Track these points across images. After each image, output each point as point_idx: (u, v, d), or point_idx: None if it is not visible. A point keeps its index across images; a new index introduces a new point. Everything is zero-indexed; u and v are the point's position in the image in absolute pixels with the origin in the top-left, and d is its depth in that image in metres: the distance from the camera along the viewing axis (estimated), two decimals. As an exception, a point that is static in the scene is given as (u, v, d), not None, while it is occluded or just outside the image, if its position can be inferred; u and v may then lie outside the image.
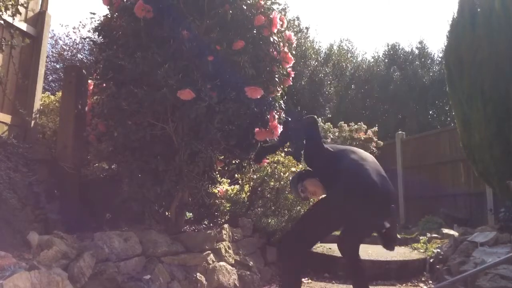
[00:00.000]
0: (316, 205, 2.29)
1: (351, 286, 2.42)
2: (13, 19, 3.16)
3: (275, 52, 3.15)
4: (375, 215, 2.11)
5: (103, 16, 3.23)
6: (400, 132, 8.81)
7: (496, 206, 5.55)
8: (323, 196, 2.34)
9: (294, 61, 3.25)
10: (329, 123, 8.64)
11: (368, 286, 2.30)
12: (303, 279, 4.01)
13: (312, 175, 2.39)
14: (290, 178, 2.80)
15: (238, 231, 3.78)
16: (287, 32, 3.26)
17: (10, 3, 2.99)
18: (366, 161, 2.19)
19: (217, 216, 4.04)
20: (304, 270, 2.17)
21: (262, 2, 3.07)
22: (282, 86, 3.34)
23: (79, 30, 9.28)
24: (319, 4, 33.01)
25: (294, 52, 3.42)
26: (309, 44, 13.54)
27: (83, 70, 3.67)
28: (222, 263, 3.26)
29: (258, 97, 2.90)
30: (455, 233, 4.79)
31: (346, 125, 8.31)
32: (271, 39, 3.09)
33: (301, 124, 2.49)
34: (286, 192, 4.21)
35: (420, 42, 15.74)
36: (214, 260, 3.22)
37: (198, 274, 2.97)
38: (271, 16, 3.01)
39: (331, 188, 2.24)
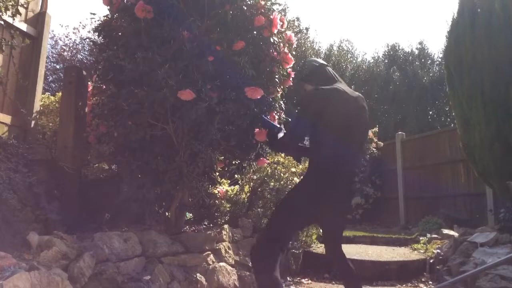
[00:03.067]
0: (281, 204, 2.29)
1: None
2: (13, 19, 3.15)
3: (275, 53, 3.15)
4: (340, 201, 2.18)
5: (103, 16, 3.23)
6: (400, 132, 8.81)
7: (496, 206, 5.55)
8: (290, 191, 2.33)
9: (294, 62, 3.25)
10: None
11: (361, 286, 2.29)
12: (303, 280, 4.01)
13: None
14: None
15: (238, 231, 3.78)
16: (287, 32, 3.26)
17: (10, 3, 2.99)
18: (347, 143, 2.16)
19: (217, 217, 4.04)
20: (277, 270, 2.12)
21: (263, 3, 3.07)
22: (282, 87, 3.34)
23: (78, 31, 9.26)
24: (319, 4, 33.04)
25: (294, 52, 3.42)
26: (309, 45, 13.56)
27: (83, 71, 3.67)
28: (222, 264, 3.26)
29: (258, 97, 2.90)
30: (455, 234, 4.79)
31: (346, 125, 8.31)
32: (271, 40, 3.09)
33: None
34: (286, 192, 4.21)
35: (420, 43, 15.78)
36: (214, 260, 3.22)
37: (198, 274, 2.96)
38: (271, 16, 3.01)
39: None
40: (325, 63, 2.51)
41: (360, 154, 2.34)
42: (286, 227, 2.18)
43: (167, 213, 3.44)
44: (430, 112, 14.39)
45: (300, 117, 2.20)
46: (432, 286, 3.83)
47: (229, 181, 4.30)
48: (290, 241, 2.58)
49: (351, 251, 4.49)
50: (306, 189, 2.11)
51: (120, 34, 3.04)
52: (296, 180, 4.24)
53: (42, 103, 3.79)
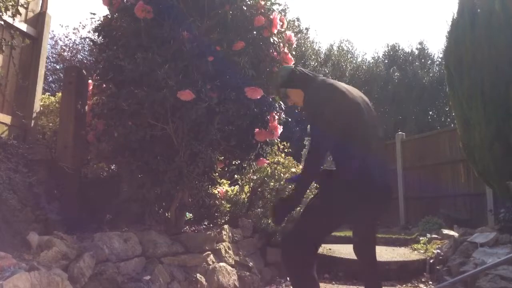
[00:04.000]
0: (314, 203, 2.24)
1: (352, 286, 2.40)
2: (13, 19, 3.15)
3: (275, 53, 3.15)
4: (376, 209, 2.14)
5: (103, 16, 3.23)
6: (400, 132, 8.81)
7: (496, 206, 5.54)
8: (322, 191, 2.25)
9: (294, 62, 3.26)
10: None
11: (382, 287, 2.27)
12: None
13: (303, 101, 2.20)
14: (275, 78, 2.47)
15: (238, 231, 3.78)
16: (287, 32, 3.26)
17: (10, 3, 2.99)
18: (371, 147, 2.08)
19: (217, 217, 4.04)
20: (312, 269, 2.06)
21: (262, 3, 3.07)
22: (282, 87, 3.33)
23: (78, 31, 9.29)
24: (319, 5, 33.06)
25: (294, 52, 3.43)
26: (309, 45, 13.57)
27: (83, 71, 3.67)
28: (222, 264, 3.26)
29: (258, 97, 2.91)
30: (455, 234, 4.78)
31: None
32: (271, 40, 3.10)
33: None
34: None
35: (420, 43, 15.80)
36: (214, 260, 3.22)
37: (198, 274, 2.96)
38: (271, 16, 3.01)
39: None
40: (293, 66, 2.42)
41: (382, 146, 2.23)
42: (327, 229, 2.11)
43: (167, 213, 3.45)
44: (430, 112, 14.40)
45: (318, 129, 2.01)
46: (432, 286, 3.82)
47: (229, 182, 4.30)
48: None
49: (351, 251, 4.47)
50: (349, 192, 1.98)
51: (120, 34, 3.05)
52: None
53: (42, 103, 3.79)
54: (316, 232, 2.08)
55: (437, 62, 14.95)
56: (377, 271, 2.26)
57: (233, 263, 3.46)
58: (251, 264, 3.63)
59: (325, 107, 1.99)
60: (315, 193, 2.12)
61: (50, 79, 8.74)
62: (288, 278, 3.94)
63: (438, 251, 4.32)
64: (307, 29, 14.36)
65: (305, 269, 1.99)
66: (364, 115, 2.10)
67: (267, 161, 3.69)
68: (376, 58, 15.98)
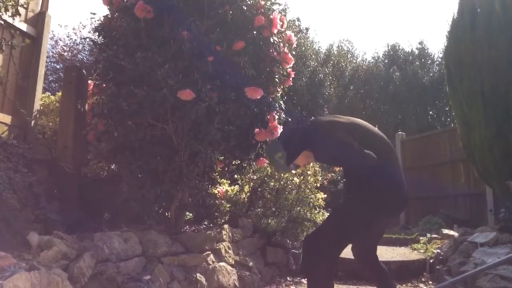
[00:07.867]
0: (340, 212, 2.16)
1: (352, 286, 2.39)
2: (13, 19, 3.15)
3: (275, 53, 3.15)
4: (395, 217, 2.17)
5: (103, 16, 3.23)
6: (400, 132, 8.81)
7: (496, 206, 5.55)
8: (346, 201, 2.17)
9: (294, 62, 3.25)
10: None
11: (394, 285, 2.25)
12: (303, 280, 4.00)
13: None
14: (269, 147, 2.48)
15: (238, 231, 3.78)
16: (287, 32, 3.26)
17: (10, 3, 2.99)
18: (394, 162, 2.12)
19: (217, 217, 4.04)
20: (331, 277, 2.07)
21: (262, 3, 3.07)
22: (282, 87, 3.34)
23: (79, 31, 9.28)
24: (319, 4, 33.06)
25: (294, 52, 3.42)
26: (308, 45, 13.56)
27: (83, 70, 3.67)
28: (222, 264, 3.26)
29: (258, 97, 2.90)
30: (455, 234, 4.79)
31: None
32: (271, 40, 3.09)
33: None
34: (286, 192, 4.21)
35: (420, 43, 15.80)
36: (214, 260, 3.22)
37: (198, 274, 2.96)
38: (271, 16, 3.01)
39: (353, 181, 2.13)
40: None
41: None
42: (350, 238, 2.14)
43: (167, 213, 3.44)
44: (430, 112, 14.41)
45: (338, 142, 2.03)
46: (432, 286, 3.83)
47: (229, 181, 4.30)
48: None
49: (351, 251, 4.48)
50: (375, 202, 2.00)
51: (120, 34, 3.04)
52: (296, 180, 4.24)
53: (42, 102, 3.79)
54: (339, 238, 2.08)
55: (437, 62, 14.96)
56: (386, 271, 2.26)
57: (233, 262, 3.46)
58: (251, 263, 3.63)
59: (335, 133, 2.05)
60: (342, 200, 2.11)
61: (51, 78, 8.73)
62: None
63: (438, 251, 4.32)
64: (307, 29, 14.38)
65: (324, 272, 2.00)
66: (374, 130, 2.17)
67: (267, 161, 3.69)
68: (376, 58, 16.00)
